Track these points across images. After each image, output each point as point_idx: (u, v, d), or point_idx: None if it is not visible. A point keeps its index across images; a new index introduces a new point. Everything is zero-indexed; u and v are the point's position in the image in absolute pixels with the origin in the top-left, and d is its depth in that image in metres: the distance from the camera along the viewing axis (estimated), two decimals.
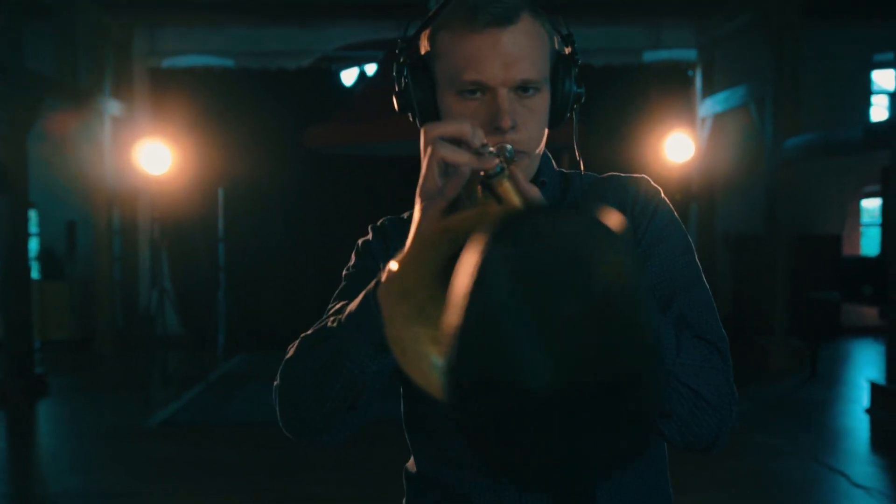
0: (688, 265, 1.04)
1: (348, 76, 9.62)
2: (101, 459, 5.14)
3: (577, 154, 1.10)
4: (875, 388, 6.07)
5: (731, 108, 8.69)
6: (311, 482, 4.49)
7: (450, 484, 1.06)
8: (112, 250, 8.91)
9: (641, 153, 8.30)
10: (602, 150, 8.26)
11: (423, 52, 1.03)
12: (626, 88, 8.75)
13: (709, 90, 9.20)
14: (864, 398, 6.39)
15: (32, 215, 8.74)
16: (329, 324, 0.94)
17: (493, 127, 0.95)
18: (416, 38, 1.05)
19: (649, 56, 9.70)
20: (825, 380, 7.30)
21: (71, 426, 6.19)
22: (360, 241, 1.14)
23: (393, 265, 0.76)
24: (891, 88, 10.38)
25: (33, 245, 8.95)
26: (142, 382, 6.63)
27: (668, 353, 0.90)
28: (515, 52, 0.95)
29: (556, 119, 1.05)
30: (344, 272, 1.11)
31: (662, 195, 1.08)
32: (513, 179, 0.83)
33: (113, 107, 8.70)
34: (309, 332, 0.98)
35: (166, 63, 9.59)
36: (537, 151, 1.04)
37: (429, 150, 0.84)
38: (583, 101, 1.07)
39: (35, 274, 8.92)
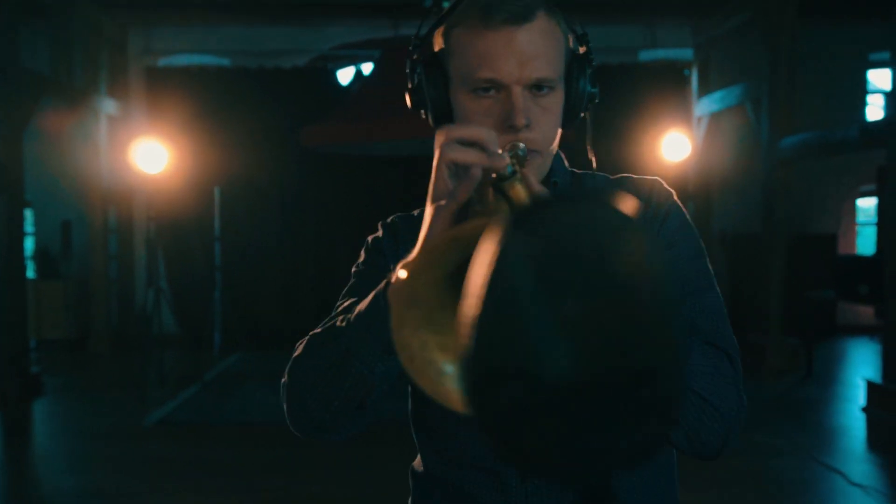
0: (699, 270, 1.03)
1: (345, 75, 9.62)
2: (96, 459, 5.12)
3: (589, 154, 1.10)
4: (871, 387, 6.08)
5: (728, 108, 8.69)
6: (310, 482, 4.48)
7: (456, 483, 1.06)
8: (108, 249, 8.88)
9: (637, 152, 8.29)
10: (598, 149, 8.21)
11: (436, 49, 1.03)
12: (622, 88, 8.73)
13: (705, 89, 9.20)
14: (860, 397, 6.39)
15: (28, 214, 8.69)
16: (338, 323, 0.94)
17: (507, 125, 0.95)
18: (430, 35, 1.04)
19: (645, 55, 9.69)
20: (821, 379, 7.31)
21: (67, 426, 6.17)
22: (369, 238, 1.13)
23: (402, 272, 0.75)
24: (887, 88, 10.39)
25: (29, 244, 8.90)
26: (138, 382, 6.61)
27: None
28: (530, 50, 0.94)
29: (569, 118, 1.04)
30: (353, 269, 1.10)
31: (675, 198, 1.07)
32: (524, 182, 0.82)
33: (109, 106, 8.67)
34: (317, 329, 0.98)
35: (162, 62, 9.56)
36: (550, 150, 1.03)
37: (438, 152, 0.84)
38: (597, 101, 1.06)
39: (30, 273, 8.87)
